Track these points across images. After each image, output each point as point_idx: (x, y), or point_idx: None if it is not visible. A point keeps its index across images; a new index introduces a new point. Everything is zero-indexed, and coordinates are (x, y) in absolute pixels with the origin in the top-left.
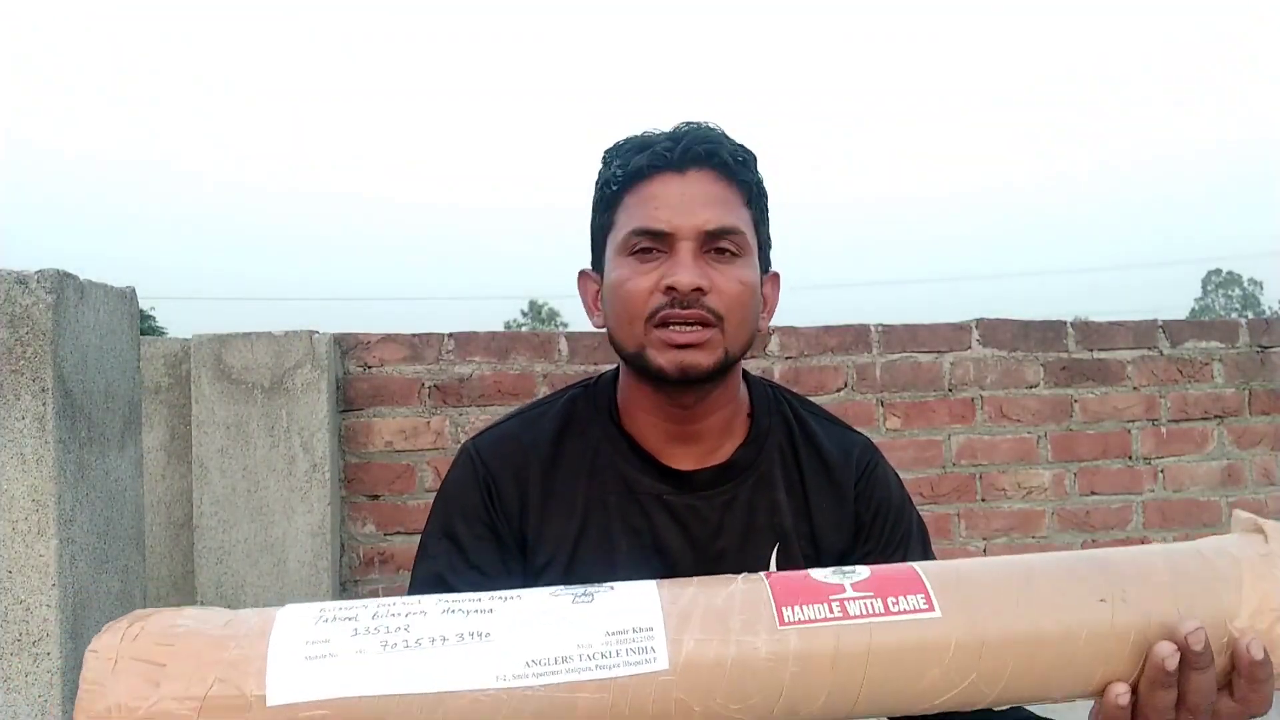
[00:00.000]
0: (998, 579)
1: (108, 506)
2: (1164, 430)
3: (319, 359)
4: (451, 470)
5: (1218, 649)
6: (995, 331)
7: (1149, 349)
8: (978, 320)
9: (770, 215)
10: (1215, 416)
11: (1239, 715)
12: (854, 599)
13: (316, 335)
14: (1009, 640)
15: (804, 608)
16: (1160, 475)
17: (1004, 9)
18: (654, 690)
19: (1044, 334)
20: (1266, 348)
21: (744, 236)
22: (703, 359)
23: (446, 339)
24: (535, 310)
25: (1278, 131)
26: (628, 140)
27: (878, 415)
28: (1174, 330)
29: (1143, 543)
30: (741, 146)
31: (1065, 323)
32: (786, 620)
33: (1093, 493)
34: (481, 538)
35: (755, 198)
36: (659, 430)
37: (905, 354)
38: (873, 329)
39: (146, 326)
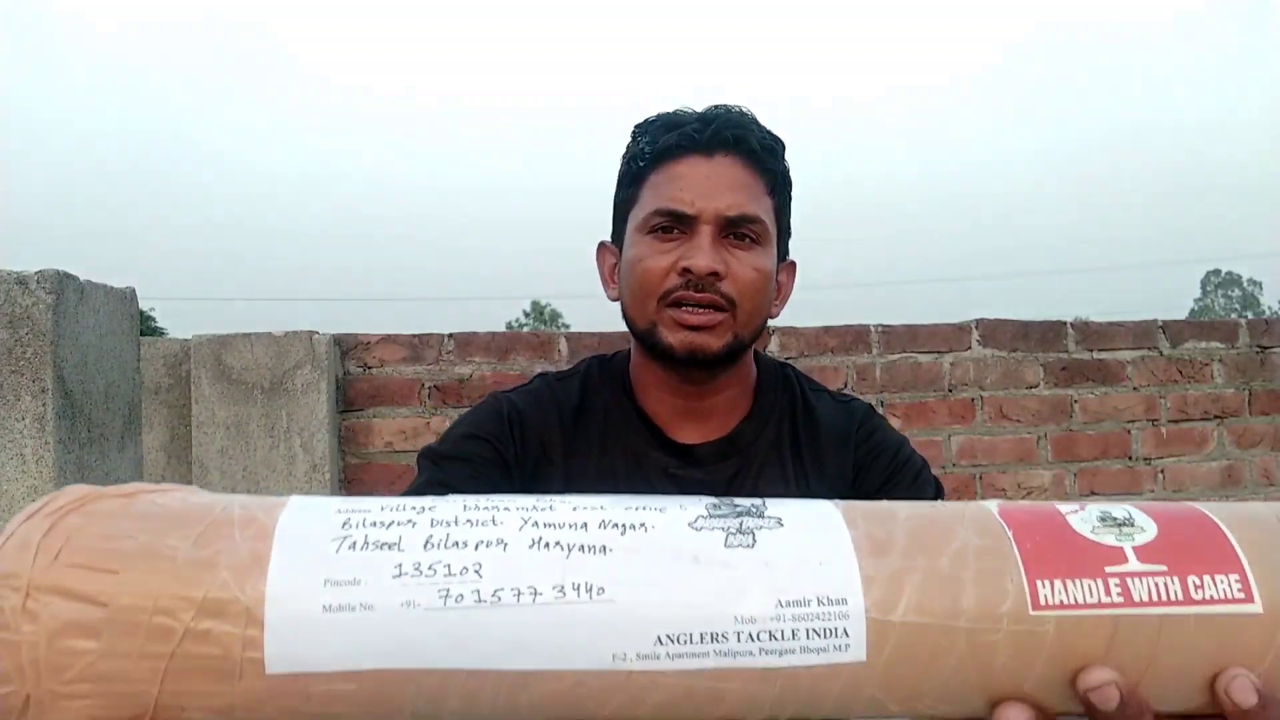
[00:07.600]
0: None
1: None
2: (1164, 431)
3: (319, 359)
4: (473, 409)
5: None
6: (995, 332)
7: (1149, 349)
8: (978, 320)
9: (792, 205)
10: (1215, 417)
11: None
12: (1139, 575)
13: (316, 335)
14: None
15: (1069, 584)
16: (1160, 476)
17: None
18: (840, 684)
19: (1044, 334)
20: (1266, 348)
21: (764, 225)
22: (712, 341)
23: (446, 339)
24: (538, 311)
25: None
26: (659, 117)
27: None
28: (1174, 330)
29: None
30: (770, 134)
31: (1065, 323)
32: (1043, 603)
33: (1093, 493)
34: (491, 461)
35: (779, 186)
36: (668, 405)
37: (905, 354)
38: (873, 329)
39: (146, 327)
